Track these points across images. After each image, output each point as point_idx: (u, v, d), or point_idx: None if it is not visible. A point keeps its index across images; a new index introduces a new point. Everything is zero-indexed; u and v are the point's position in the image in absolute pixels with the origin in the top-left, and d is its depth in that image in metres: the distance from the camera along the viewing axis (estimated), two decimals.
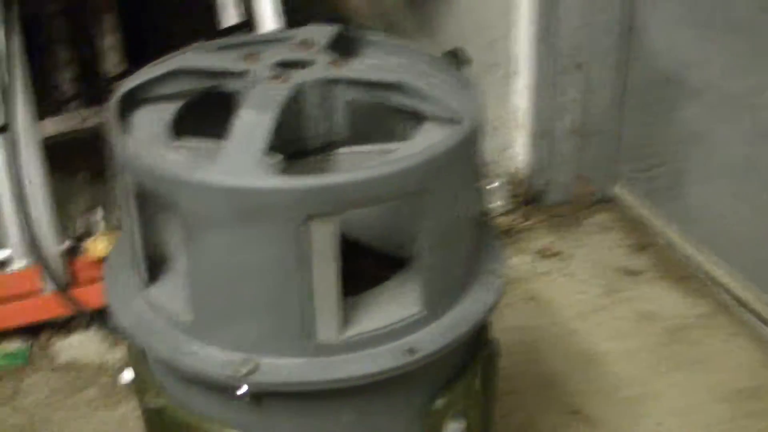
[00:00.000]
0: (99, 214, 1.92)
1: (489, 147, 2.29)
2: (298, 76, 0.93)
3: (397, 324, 0.89)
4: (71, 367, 1.80)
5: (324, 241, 0.82)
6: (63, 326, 1.85)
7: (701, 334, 1.91)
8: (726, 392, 1.77)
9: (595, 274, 2.07)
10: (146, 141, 0.89)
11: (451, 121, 0.90)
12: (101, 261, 1.68)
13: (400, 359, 0.88)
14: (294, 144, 0.95)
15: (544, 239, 2.17)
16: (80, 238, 1.87)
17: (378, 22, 2.88)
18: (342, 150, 0.97)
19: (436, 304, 0.91)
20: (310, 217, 0.80)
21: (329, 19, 2.63)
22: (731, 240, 1.97)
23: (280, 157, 0.91)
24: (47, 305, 1.79)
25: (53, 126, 2.19)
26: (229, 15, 1.98)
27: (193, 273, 0.85)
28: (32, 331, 1.84)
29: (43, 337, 1.83)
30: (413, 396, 0.95)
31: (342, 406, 0.91)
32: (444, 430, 0.97)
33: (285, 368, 0.86)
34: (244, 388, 0.86)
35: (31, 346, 1.82)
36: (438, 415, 0.96)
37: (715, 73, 1.90)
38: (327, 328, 0.86)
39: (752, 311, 1.94)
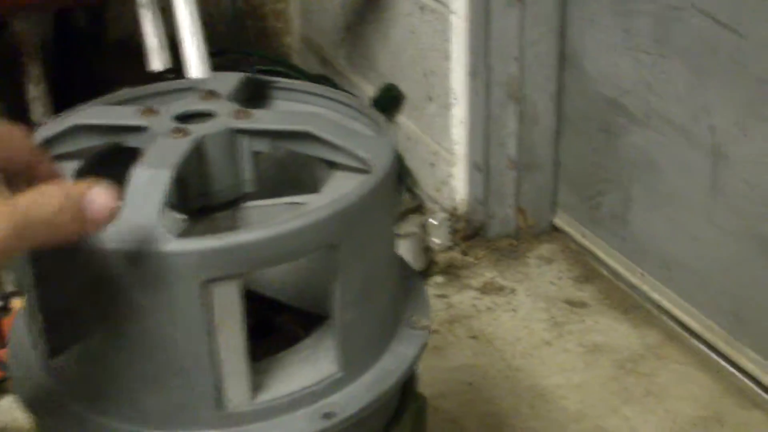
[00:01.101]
0: None
1: (427, 182, 2.27)
2: (199, 129, 0.88)
3: (313, 387, 0.84)
4: None
5: (228, 303, 0.78)
6: None
7: (652, 365, 1.87)
8: (680, 424, 1.74)
9: (539, 308, 2.03)
10: None
11: (361, 170, 0.86)
12: None
13: (317, 425, 0.83)
14: (199, 200, 0.91)
15: (486, 275, 2.13)
16: (8, 297, 1.81)
17: (311, 58, 2.85)
18: (249, 204, 0.92)
19: (354, 363, 0.86)
20: (211, 280, 0.75)
21: (261, 58, 2.61)
22: (676, 268, 1.95)
23: (182, 216, 0.86)
24: None
25: None
26: (155, 60, 1.93)
27: (90, 343, 0.80)
28: None
29: None
30: None
31: None
32: None
33: None
34: None
35: None
36: None
37: (656, 99, 1.88)
38: (236, 396, 0.81)
39: (701, 339, 1.91)
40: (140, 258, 0.74)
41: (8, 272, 1.85)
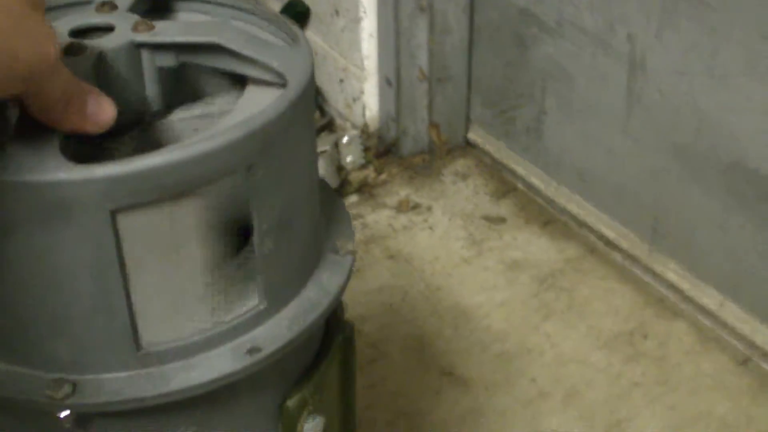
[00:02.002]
0: None
1: (337, 99, 2.20)
2: (98, 44, 0.80)
3: (235, 321, 0.78)
4: None
5: (138, 235, 0.70)
6: None
7: (572, 279, 1.84)
8: (602, 339, 1.72)
9: (456, 225, 1.98)
10: None
11: (276, 84, 0.79)
12: None
13: (242, 361, 0.77)
14: None
15: (400, 193, 2.08)
16: None
17: None
18: (158, 121, 0.85)
19: (277, 294, 0.80)
20: (118, 210, 0.68)
21: None
22: (592, 180, 1.91)
23: (78, 141, 0.78)
24: None
25: None
26: None
27: None
28: None
29: None
30: (260, 400, 0.84)
31: (180, 421, 0.79)
32: None
33: (108, 386, 0.74)
34: (65, 412, 0.74)
35: None
36: (291, 418, 0.85)
37: (570, 8, 1.82)
38: (152, 334, 0.75)
39: (620, 250, 1.88)
40: (39, 189, 0.67)
41: None
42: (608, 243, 1.90)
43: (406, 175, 2.12)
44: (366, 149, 2.13)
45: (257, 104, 0.77)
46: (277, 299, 0.80)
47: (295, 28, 0.87)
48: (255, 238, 0.76)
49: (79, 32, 0.83)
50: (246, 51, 0.80)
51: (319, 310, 0.82)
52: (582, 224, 1.95)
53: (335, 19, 2.15)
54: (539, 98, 1.98)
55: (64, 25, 0.84)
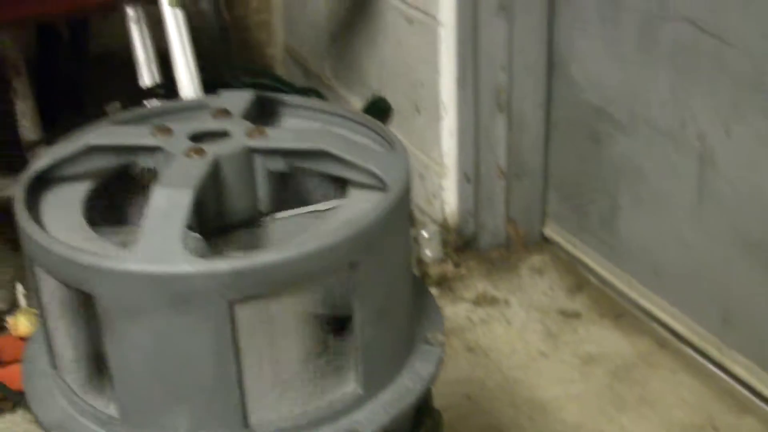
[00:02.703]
0: (20, 289, 1.85)
1: (417, 194, 2.27)
2: (215, 149, 0.88)
3: (335, 404, 0.84)
4: None
5: (252, 324, 0.78)
6: None
7: (644, 373, 1.88)
8: (673, 431, 1.74)
9: (533, 319, 2.03)
10: (58, 229, 0.84)
11: (376, 187, 0.86)
12: (24, 339, 1.62)
13: None
14: (215, 220, 0.90)
15: (478, 287, 2.14)
16: (2, 315, 1.80)
17: (296, 70, 2.85)
18: (269, 218, 0.92)
19: (375, 380, 0.86)
20: (236, 301, 0.75)
21: (247, 71, 2.60)
22: (664, 274, 1.95)
23: (198, 237, 0.86)
24: None
25: None
26: (145, 75, 1.93)
27: (116, 367, 0.80)
28: None
29: None
30: None
31: None
32: None
33: None
34: None
35: None
36: None
37: (643, 106, 1.89)
38: (260, 414, 0.81)
39: (690, 345, 1.92)
40: (165, 280, 0.74)
41: (21, 285, 1.84)
42: (678, 336, 1.93)
43: (483, 269, 2.18)
44: (445, 243, 2.19)
45: (359, 206, 0.84)
46: (374, 385, 0.86)
47: (391, 133, 0.94)
48: (356, 328, 0.83)
49: (199, 137, 0.91)
50: (349, 156, 0.88)
51: (413, 396, 0.88)
52: (653, 317, 1.99)
53: (416, 117, 2.23)
54: (613, 193, 2.03)
55: (184, 128, 0.92)
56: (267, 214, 0.94)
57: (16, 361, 1.70)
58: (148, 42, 1.93)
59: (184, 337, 0.77)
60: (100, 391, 0.85)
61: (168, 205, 0.79)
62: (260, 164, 0.90)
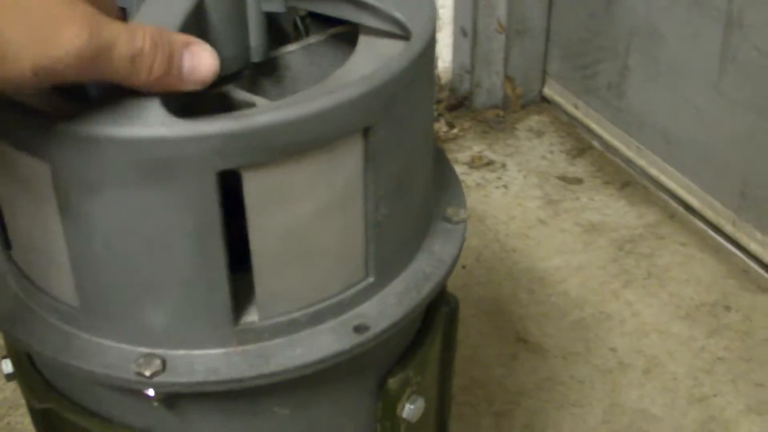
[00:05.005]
0: None
1: None
2: None
3: (340, 295, 0.70)
4: None
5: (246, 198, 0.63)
6: None
7: (652, 245, 1.76)
8: (684, 309, 1.64)
9: (531, 184, 1.90)
10: None
11: (397, 35, 0.71)
12: None
13: (347, 340, 0.70)
14: None
15: (473, 148, 2.00)
16: None
17: None
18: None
19: (388, 266, 0.73)
20: (225, 172, 0.61)
21: None
22: (677, 142, 1.82)
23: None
24: None
25: None
26: None
27: (76, 250, 0.65)
28: None
29: None
30: (361, 379, 0.77)
31: (275, 401, 0.73)
32: (399, 415, 0.79)
33: (201, 363, 0.67)
34: (152, 391, 0.67)
35: None
36: (391, 400, 0.78)
37: None
38: (251, 310, 0.68)
39: (703, 219, 1.80)
40: (136, 146, 0.59)
41: None
42: (690, 209, 1.82)
43: (479, 130, 2.04)
44: (437, 102, 2.05)
45: (375, 58, 0.70)
46: (387, 271, 0.73)
47: None
48: (368, 204, 0.69)
49: None
50: None
51: (432, 283, 0.74)
52: (663, 188, 1.87)
53: None
54: (623, 54, 1.88)
55: None
56: (258, 67, 0.78)
57: None
58: None
59: (158, 218, 0.62)
60: (56, 279, 0.70)
61: None
62: (254, 5, 0.74)
